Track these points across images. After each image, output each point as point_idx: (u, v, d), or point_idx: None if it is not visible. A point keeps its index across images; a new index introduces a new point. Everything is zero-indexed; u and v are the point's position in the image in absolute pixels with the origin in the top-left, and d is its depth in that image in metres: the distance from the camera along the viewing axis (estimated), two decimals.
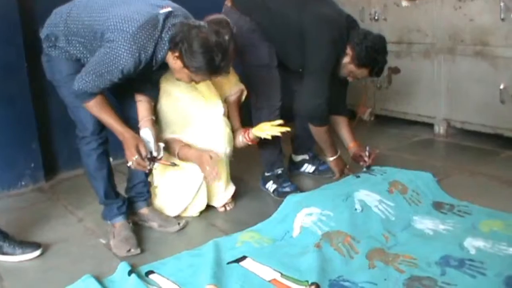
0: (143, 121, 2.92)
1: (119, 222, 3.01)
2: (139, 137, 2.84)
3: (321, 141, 3.61)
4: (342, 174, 3.68)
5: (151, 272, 2.62)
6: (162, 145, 2.93)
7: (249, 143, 3.34)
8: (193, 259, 2.71)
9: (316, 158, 3.94)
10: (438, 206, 3.19)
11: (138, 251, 2.85)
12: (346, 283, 2.41)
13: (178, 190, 3.22)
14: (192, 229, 3.15)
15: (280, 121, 3.25)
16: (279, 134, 3.25)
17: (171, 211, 3.25)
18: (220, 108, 3.18)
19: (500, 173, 3.72)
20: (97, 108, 2.73)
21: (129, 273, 2.53)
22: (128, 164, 2.82)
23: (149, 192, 3.20)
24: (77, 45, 2.73)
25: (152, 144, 2.86)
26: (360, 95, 5.09)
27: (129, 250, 2.83)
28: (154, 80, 3.03)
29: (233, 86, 3.36)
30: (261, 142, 3.47)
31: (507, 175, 3.66)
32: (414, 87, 4.88)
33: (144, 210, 3.18)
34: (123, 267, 2.60)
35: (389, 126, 5.16)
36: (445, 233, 2.86)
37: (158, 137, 2.97)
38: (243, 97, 3.44)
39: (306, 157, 3.95)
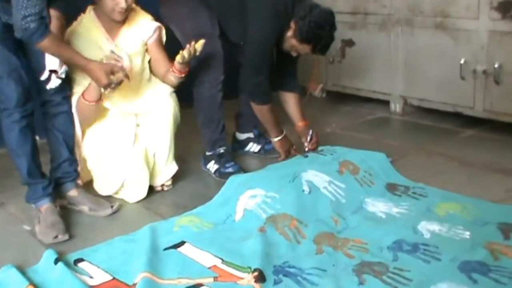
0: None
1: (45, 205, 2.98)
2: (103, 64, 2.93)
3: (264, 121, 3.65)
4: (288, 155, 3.72)
5: (80, 260, 2.62)
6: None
7: (180, 75, 3.28)
8: (126, 245, 2.72)
9: (262, 137, 3.97)
10: (391, 188, 3.26)
11: (66, 237, 2.84)
12: (292, 269, 2.45)
13: (112, 163, 3.24)
14: (126, 212, 3.16)
15: (202, 41, 3.20)
16: (195, 52, 3.20)
17: (105, 189, 3.29)
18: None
19: (459, 153, 3.81)
20: (54, 45, 2.75)
21: (56, 261, 2.52)
22: (103, 91, 3.00)
23: (76, 171, 3.19)
24: None
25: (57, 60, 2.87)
26: (310, 70, 5.13)
27: (56, 237, 2.82)
28: None
29: (147, 25, 3.33)
30: (202, 119, 3.54)
31: (466, 156, 3.76)
32: (369, 62, 4.94)
33: (73, 192, 3.17)
34: (49, 255, 2.59)
35: (342, 103, 5.23)
36: (398, 217, 2.93)
37: None
38: (164, 36, 3.41)
39: (251, 135, 3.99)
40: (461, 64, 4.20)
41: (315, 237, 2.71)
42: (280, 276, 2.40)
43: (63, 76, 2.88)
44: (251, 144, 4.00)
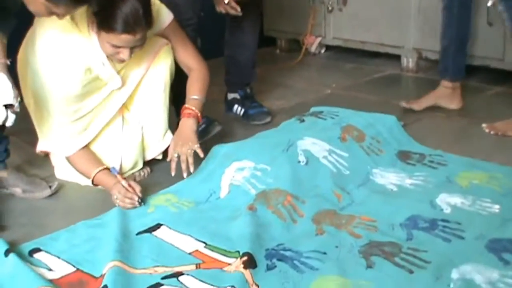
0: None
1: None
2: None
3: None
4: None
5: (37, 250, 2.61)
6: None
7: None
8: (92, 231, 2.73)
9: (248, 99, 4.09)
10: (404, 156, 3.31)
11: None
12: (288, 253, 2.47)
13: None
14: (89, 193, 3.16)
15: None
16: None
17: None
18: None
19: (485, 114, 3.84)
20: None
21: (6, 253, 2.49)
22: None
23: (6, 151, 3.18)
24: None
25: (9, 90, 2.74)
26: (305, 20, 5.16)
27: None
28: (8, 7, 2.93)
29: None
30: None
31: (494, 117, 3.76)
32: (376, 9, 4.97)
33: (2, 174, 3.17)
34: None
35: (344, 60, 5.29)
36: (412, 189, 2.99)
37: None
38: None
39: (236, 96, 4.11)
40: (488, 6, 4.20)
41: (314, 215, 2.75)
42: (274, 260, 2.43)
43: (18, 110, 2.79)
44: (236, 106, 4.11)
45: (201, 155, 3.09)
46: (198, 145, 3.07)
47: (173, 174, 3.07)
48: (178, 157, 3.07)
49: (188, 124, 3.13)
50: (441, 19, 3.97)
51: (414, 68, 4.83)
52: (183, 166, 3.05)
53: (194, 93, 3.22)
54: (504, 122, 3.62)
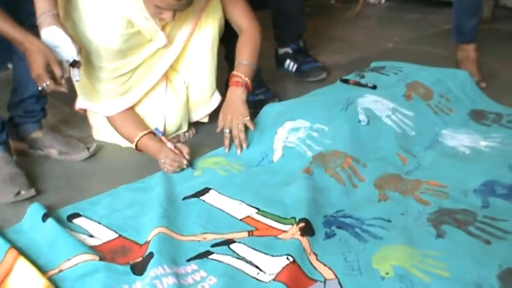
0: (44, 17, 2.77)
1: None
2: (47, 48, 2.71)
3: None
4: None
5: (76, 215, 2.65)
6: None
7: None
8: (135, 196, 2.77)
9: (301, 53, 4.09)
10: (478, 116, 3.30)
11: (32, 192, 2.84)
12: (348, 220, 2.49)
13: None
14: (130, 155, 3.18)
15: None
16: None
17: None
18: None
19: None
20: None
21: (44, 218, 2.53)
22: (40, 88, 2.78)
23: (43, 110, 3.23)
24: None
25: (71, 45, 2.77)
26: None
27: (18, 193, 2.82)
28: None
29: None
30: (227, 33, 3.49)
31: None
32: None
33: (36, 134, 3.21)
34: (35, 210, 2.60)
35: (408, 10, 5.26)
36: (488, 152, 2.97)
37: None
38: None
39: (288, 50, 4.11)
40: None
41: (376, 179, 2.76)
42: (333, 228, 2.44)
43: (82, 64, 2.86)
44: (288, 61, 4.13)
45: (252, 128, 3.10)
46: (249, 117, 3.09)
47: (227, 151, 3.11)
48: (230, 131, 3.10)
49: (237, 94, 3.14)
50: None
51: (490, 17, 4.76)
52: (236, 142, 3.10)
53: (244, 57, 3.22)
54: None
